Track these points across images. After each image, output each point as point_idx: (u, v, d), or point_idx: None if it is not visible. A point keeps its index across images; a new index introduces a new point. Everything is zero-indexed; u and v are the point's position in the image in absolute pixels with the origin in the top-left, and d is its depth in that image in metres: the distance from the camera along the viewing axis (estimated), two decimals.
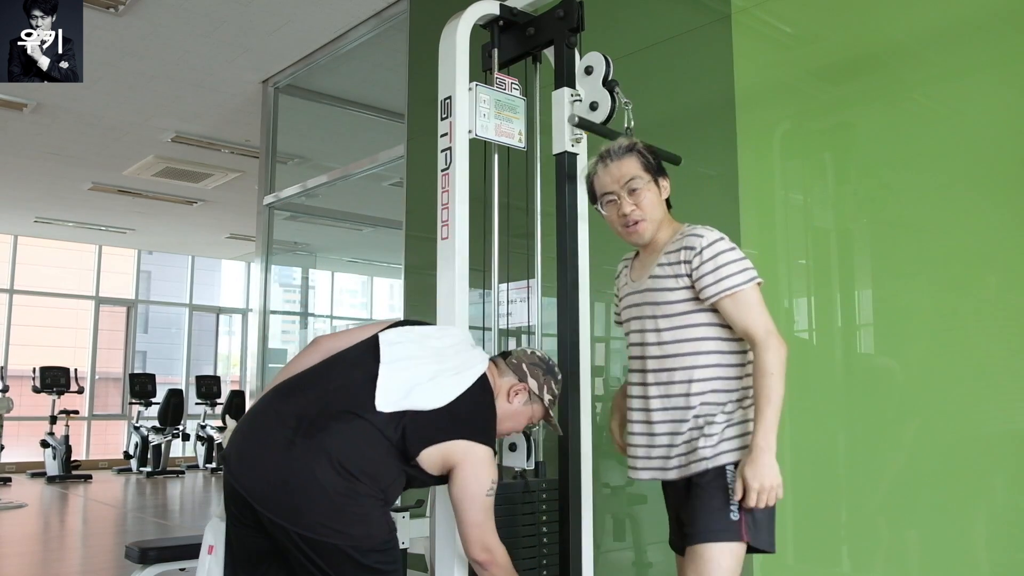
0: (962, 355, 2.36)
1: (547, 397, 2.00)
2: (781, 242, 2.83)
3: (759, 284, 1.77)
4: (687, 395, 1.78)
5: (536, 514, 2.18)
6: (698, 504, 1.73)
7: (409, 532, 3.15)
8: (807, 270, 2.76)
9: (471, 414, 1.85)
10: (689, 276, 1.77)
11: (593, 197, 1.96)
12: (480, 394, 1.89)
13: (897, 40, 2.58)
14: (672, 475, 1.80)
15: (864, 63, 2.63)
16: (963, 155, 2.39)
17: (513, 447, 2.26)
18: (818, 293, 2.72)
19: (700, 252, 1.76)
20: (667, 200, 1.93)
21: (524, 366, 1.99)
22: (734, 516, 1.69)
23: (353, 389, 1.80)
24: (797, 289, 2.77)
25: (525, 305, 2.68)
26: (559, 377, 2.05)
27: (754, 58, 2.90)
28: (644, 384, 1.85)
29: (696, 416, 1.77)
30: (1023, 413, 2.20)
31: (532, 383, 1.97)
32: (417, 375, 1.83)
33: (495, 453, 1.88)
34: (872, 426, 2.55)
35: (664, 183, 1.91)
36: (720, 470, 1.72)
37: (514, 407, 1.96)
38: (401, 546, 3.11)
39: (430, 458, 1.79)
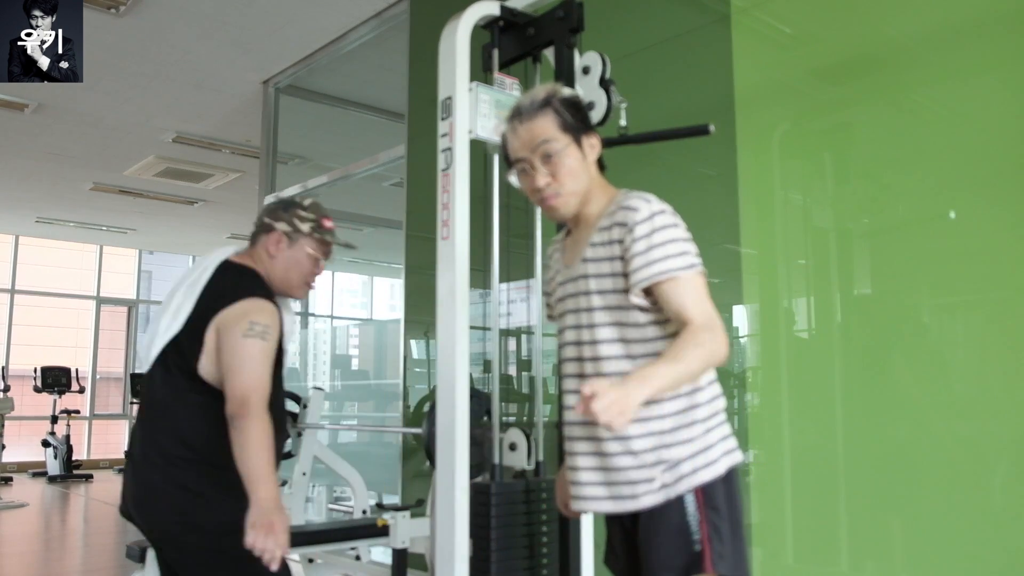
0: (962, 355, 2.36)
1: (304, 226, 1.94)
2: (781, 242, 2.83)
3: (705, 275, 1.46)
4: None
5: (536, 514, 2.18)
6: (651, 534, 1.45)
7: (409, 532, 3.16)
8: (807, 270, 2.76)
9: (219, 294, 1.81)
10: (623, 259, 1.46)
11: (509, 164, 1.61)
12: (223, 277, 1.85)
13: (897, 40, 2.58)
14: (629, 505, 1.47)
15: (864, 63, 2.64)
16: (963, 155, 2.39)
17: (513, 447, 2.26)
18: (818, 293, 2.72)
19: (632, 229, 1.44)
20: (600, 161, 1.60)
21: (264, 219, 1.95)
22: (697, 547, 1.42)
23: (150, 389, 1.86)
24: (797, 289, 2.77)
25: (525, 305, 2.69)
26: (305, 202, 1.98)
27: (754, 58, 2.91)
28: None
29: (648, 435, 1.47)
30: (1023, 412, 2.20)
31: (280, 225, 1.93)
32: (158, 324, 1.83)
33: (276, 306, 1.83)
34: (871, 425, 2.55)
35: (591, 142, 1.56)
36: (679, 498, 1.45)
37: (282, 256, 1.92)
38: (401, 546, 3.12)
39: (209, 363, 1.76)
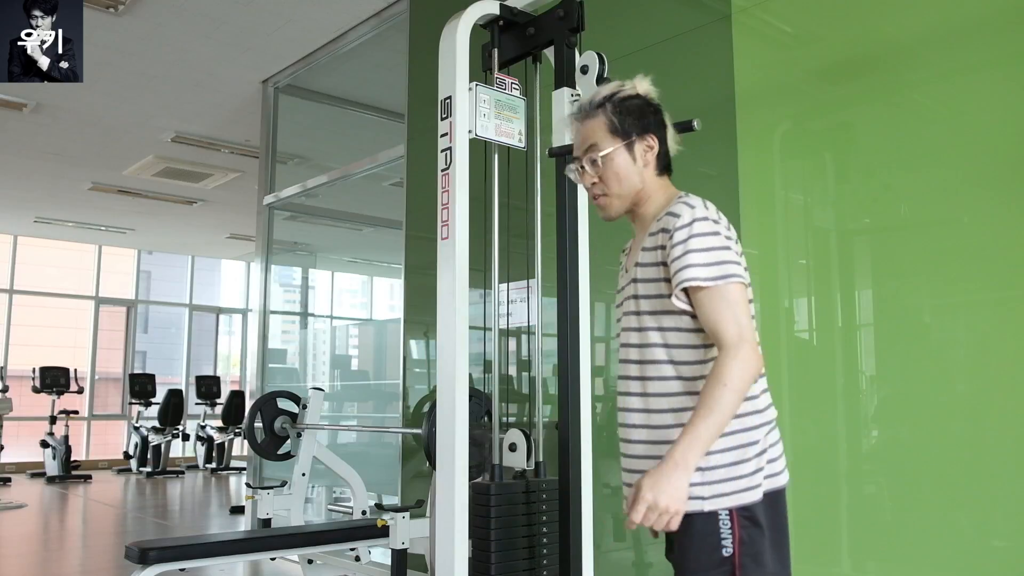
0: (962, 355, 2.36)
1: None
2: (781, 242, 2.83)
3: (743, 285, 1.43)
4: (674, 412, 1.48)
5: (536, 514, 2.18)
6: (686, 537, 1.44)
7: (409, 532, 3.16)
8: (807, 270, 2.76)
9: None
10: (665, 264, 1.45)
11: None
12: None
13: (897, 40, 2.58)
14: None
15: (864, 63, 2.63)
16: (963, 155, 2.39)
17: (513, 447, 2.26)
18: (818, 293, 2.72)
19: (672, 235, 1.44)
20: (664, 161, 1.58)
21: None
22: (727, 551, 1.42)
23: None
24: (797, 289, 2.77)
25: (525, 305, 2.69)
26: None
27: (754, 58, 2.90)
28: (628, 395, 1.54)
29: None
30: None
31: None
32: None
33: None
34: (872, 425, 2.55)
35: (646, 144, 1.55)
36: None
37: None
38: (401, 546, 3.12)
39: None
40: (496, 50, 2.35)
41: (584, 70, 2.18)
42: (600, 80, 2.14)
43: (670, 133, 1.60)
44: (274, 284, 6.21)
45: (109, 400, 12.01)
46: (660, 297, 1.48)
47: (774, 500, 1.48)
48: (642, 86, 1.59)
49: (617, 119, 1.54)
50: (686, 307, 1.44)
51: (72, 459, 9.72)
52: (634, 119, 1.55)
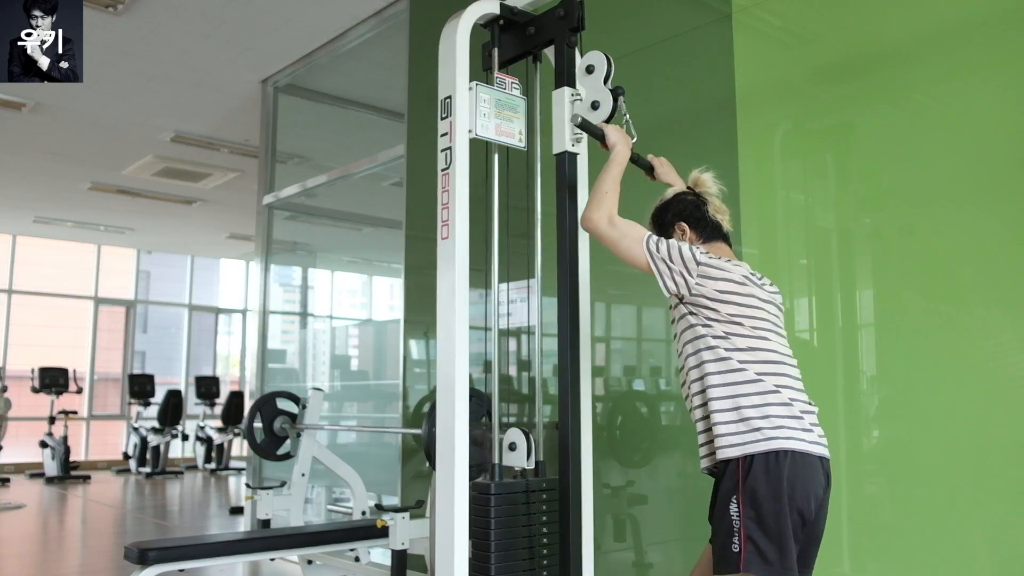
0: (962, 356, 2.36)
1: None
2: (781, 242, 2.83)
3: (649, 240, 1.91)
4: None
5: (536, 514, 2.18)
6: (715, 522, 1.81)
7: (409, 532, 3.16)
8: (807, 270, 2.76)
9: None
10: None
11: None
12: None
13: (897, 40, 2.58)
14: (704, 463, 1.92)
15: (864, 63, 2.63)
16: (964, 155, 2.39)
17: (513, 447, 2.25)
18: (818, 293, 2.72)
19: None
20: (705, 231, 2.02)
21: None
22: (735, 547, 1.71)
23: None
24: (797, 289, 2.77)
25: (525, 305, 2.69)
26: None
27: (754, 58, 2.90)
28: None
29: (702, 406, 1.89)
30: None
31: None
32: None
33: None
34: (872, 426, 2.55)
35: (678, 230, 2.03)
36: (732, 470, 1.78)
37: None
38: (400, 547, 3.12)
39: None
40: (496, 49, 2.35)
41: (589, 70, 2.18)
42: (607, 80, 2.14)
43: (712, 206, 2.03)
44: (274, 284, 6.21)
45: (108, 400, 12.00)
46: (679, 310, 1.98)
47: (773, 459, 1.75)
48: (669, 192, 2.11)
49: (655, 224, 2.07)
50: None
51: (71, 459, 9.72)
52: (666, 218, 2.06)
